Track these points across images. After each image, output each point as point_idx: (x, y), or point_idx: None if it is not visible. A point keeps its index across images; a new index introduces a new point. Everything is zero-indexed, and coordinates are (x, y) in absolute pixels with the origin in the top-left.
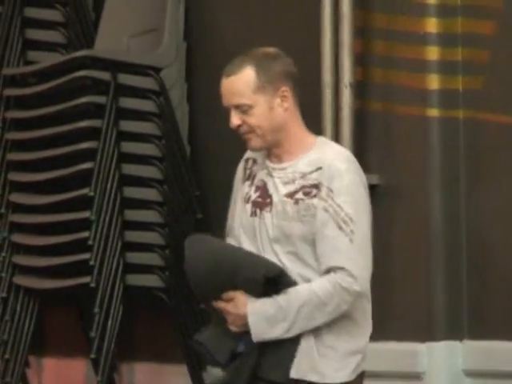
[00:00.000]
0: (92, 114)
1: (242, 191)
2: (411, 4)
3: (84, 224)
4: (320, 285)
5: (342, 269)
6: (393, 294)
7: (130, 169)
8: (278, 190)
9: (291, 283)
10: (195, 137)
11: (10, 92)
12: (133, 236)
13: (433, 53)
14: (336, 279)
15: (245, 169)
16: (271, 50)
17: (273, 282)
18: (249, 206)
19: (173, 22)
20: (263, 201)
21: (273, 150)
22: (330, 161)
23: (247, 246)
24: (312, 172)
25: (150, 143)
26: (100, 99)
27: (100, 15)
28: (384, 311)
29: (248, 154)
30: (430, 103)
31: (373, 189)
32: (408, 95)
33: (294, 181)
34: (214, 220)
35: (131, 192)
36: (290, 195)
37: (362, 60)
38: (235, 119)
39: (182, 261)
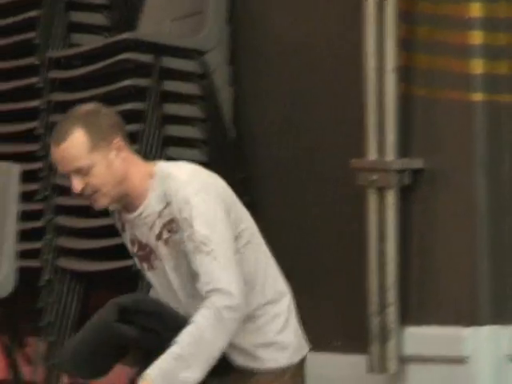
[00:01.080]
0: (135, 96)
1: (125, 241)
2: None
3: None
4: (203, 316)
5: (215, 290)
6: (438, 278)
7: (174, 152)
8: (148, 236)
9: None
10: (240, 119)
11: (55, 74)
12: None
13: (477, 37)
14: (213, 303)
15: (119, 220)
16: (90, 106)
17: (128, 312)
18: (138, 261)
19: (216, 4)
20: (145, 252)
21: (123, 201)
22: (175, 192)
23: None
24: (164, 208)
25: (194, 126)
26: (143, 82)
27: None
28: (429, 296)
29: (112, 207)
30: (473, 88)
31: (417, 174)
32: (452, 80)
33: (154, 222)
34: (259, 203)
35: None
36: (159, 237)
37: (406, 45)
38: (76, 184)
39: None
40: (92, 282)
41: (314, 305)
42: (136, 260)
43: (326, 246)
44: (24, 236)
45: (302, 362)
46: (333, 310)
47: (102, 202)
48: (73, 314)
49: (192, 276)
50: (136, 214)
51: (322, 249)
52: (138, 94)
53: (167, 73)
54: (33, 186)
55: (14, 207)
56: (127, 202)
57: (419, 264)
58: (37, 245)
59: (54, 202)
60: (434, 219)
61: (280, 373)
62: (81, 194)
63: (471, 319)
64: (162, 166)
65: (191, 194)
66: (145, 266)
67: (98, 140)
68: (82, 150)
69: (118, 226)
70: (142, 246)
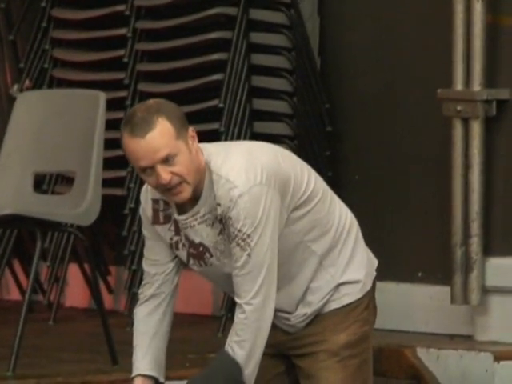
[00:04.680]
0: (223, 25)
1: (162, 233)
2: None
3: (213, 137)
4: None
5: (242, 302)
6: None
7: (260, 81)
8: (207, 234)
9: None
10: (326, 49)
11: (141, 2)
12: None
13: None
14: (245, 309)
15: (156, 210)
16: (156, 100)
17: None
18: (184, 255)
19: None
20: (198, 251)
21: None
22: (227, 192)
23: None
24: (218, 207)
25: (280, 55)
26: (231, 11)
27: None
28: None
29: (152, 195)
30: None
31: (503, 104)
32: None
33: (216, 218)
34: (344, 133)
35: (260, 104)
36: (221, 233)
37: None
38: (165, 174)
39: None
40: None
41: (398, 235)
42: (181, 254)
43: (410, 177)
44: (108, 164)
45: (374, 287)
46: (416, 241)
47: (186, 193)
48: None
49: None
50: (193, 212)
51: (406, 180)
52: (225, 22)
53: (254, 2)
54: (118, 115)
55: (100, 135)
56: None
57: (503, 195)
58: (121, 173)
59: None
60: None
61: (352, 307)
62: (167, 185)
63: None
64: (212, 160)
65: (240, 196)
66: (195, 262)
67: (181, 127)
68: (170, 137)
69: (162, 214)
70: (195, 245)
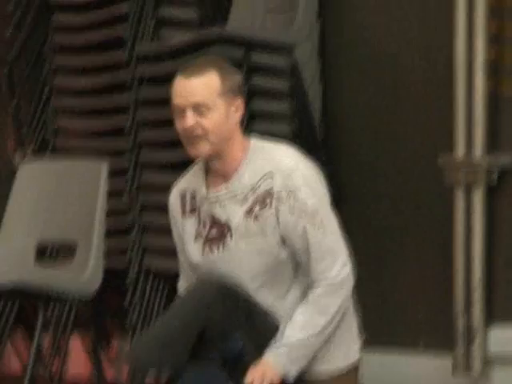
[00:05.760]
0: None
1: (187, 226)
2: None
3: None
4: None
5: (326, 277)
6: None
7: None
8: (235, 212)
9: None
10: (327, 117)
11: (144, 70)
12: None
13: None
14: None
15: (183, 204)
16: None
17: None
18: (200, 244)
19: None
20: (220, 231)
21: (214, 165)
22: (278, 163)
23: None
24: (260, 181)
25: (282, 123)
26: None
27: None
28: None
29: (181, 185)
30: None
31: (506, 172)
32: None
33: (246, 197)
34: (348, 199)
35: None
36: (249, 213)
37: (496, 40)
38: (190, 118)
39: None
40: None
41: (397, 304)
42: (195, 246)
43: (410, 244)
44: (110, 234)
45: (359, 359)
46: (417, 310)
47: (202, 149)
48: (156, 315)
49: (271, 256)
50: (226, 187)
51: (406, 247)
52: None
53: (256, 68)
54: (119, 184)
55: (102, 206)
56: (216, 168)
57: (505, 263)
58: (123, 244)
59: (141, 200)
60: None
61: (340, 375)
62: (188, 132)
63: None
64: (258, 141)
65: (296, 167)
66: (212, 248)
67: (228, 89)
68: (212, 91)
69: (189, 206)
70: (219, 225)
